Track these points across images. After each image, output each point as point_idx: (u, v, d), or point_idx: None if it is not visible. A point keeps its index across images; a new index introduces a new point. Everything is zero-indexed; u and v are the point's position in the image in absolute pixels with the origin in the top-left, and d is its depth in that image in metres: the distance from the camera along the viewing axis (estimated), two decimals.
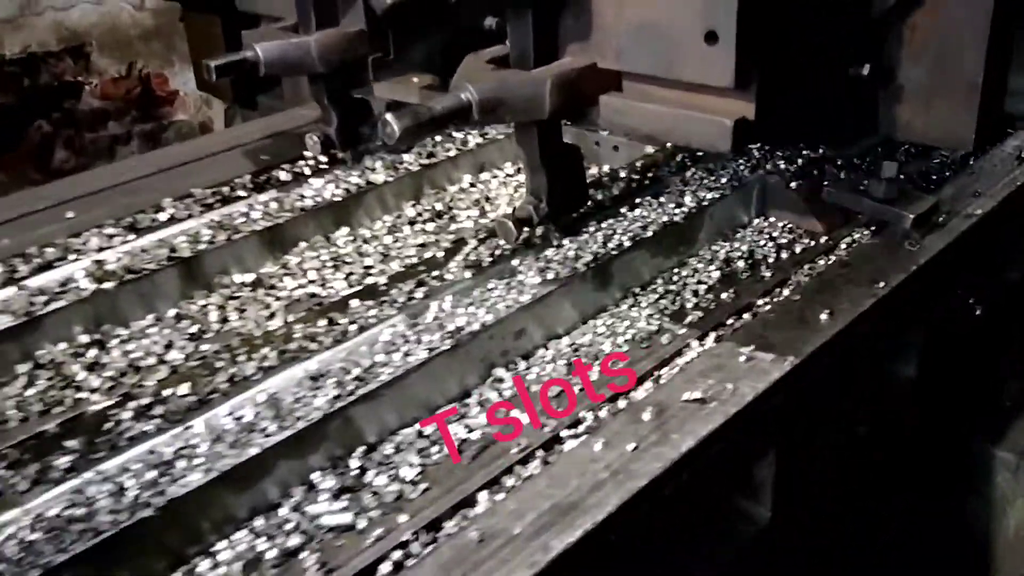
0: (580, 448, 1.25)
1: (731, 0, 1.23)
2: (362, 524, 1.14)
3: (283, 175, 1.93)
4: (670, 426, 1.28)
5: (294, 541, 1.11)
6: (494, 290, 1.49)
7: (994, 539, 2.19)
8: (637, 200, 1.76)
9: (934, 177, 1.92)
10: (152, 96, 4.67)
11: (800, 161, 1.90)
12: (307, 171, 1.96)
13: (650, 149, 2.00)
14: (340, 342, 1.37)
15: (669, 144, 1.96)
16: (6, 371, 1.42)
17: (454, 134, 2.10)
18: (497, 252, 1.62)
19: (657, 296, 1.59)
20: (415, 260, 1.67)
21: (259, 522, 1.14)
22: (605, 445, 1.25)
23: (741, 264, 1.68)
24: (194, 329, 1.53)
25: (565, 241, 1.62)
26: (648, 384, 1.39)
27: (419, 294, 1.50)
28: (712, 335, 1.49)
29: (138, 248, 1.64)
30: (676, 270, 1.66)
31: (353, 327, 1.41)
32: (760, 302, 1.57)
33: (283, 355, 1.35)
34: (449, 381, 1.36)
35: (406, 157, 1.99)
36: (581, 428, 1.30)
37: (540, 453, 1.26)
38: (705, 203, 1.74)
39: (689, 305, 1.57)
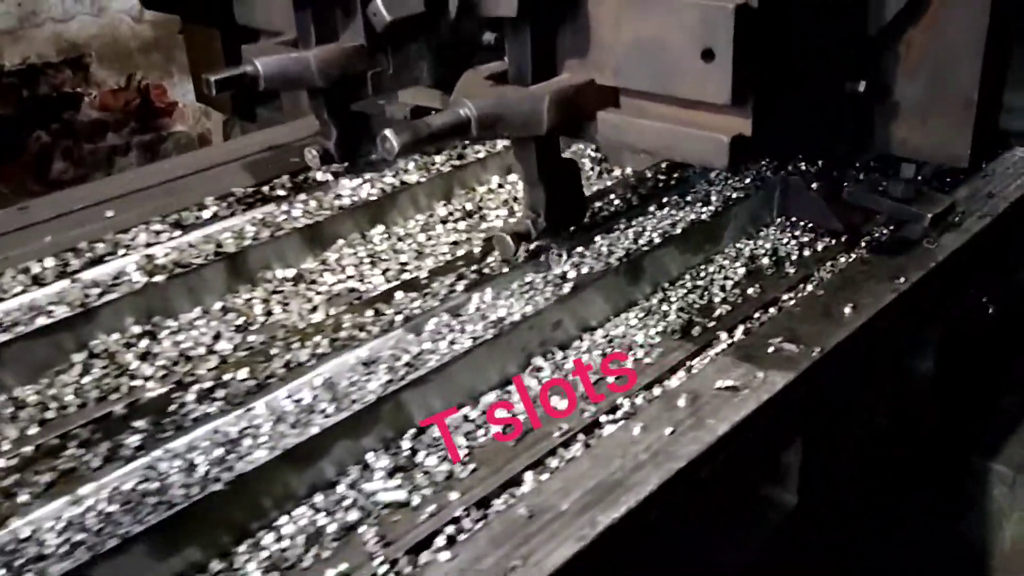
0: (619, 432, 1.31)
1: (728, 18, 1.24)
2: (416, 501, 1.20)
3: (319, 175, 1.99)
4: (705, 412, 1.34)
5: (352, 516, 1.17)
6: (532, 283, 1.55)
7: (990, 553, 2.21)
8: (664, 200, 1.82)
9: (948, 179, 1.99)
10: (151, 107, 4.68)
11: (820, 163, 1.96)
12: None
13: None
14: (387, 331, 1.43)
15: None
16: (63, 360, 1.48)
17: None
18: (529, 248, 1.68)
19: (686, 291, 1.65)
20: (449, 257, 1.73)
21: (318, 498, 1.20)
22: (643, 429, 1.31)
23: (765, 261, 1.74)
24: (240, 321, 1.58)
25: (597, 238, 1.68)
26: (681, 373, 1.45)
27: (459, 287, 1.56)
28: (740, 328, 1.55)
29: (185, 243, 1.69)
30: (703, 267, 1.72)
31: (399, 317, 1.47)
32: (785, 297, 1.63)
33: (334, 343, 1.41)
34: (491, 369, 1.42)
35: (437, 159, 2.05)
36: (619, 414, 1.36)
37: (581, 437, 1.32)
38: (730, 202, 1.80)
39: (717, 300, 1.63)
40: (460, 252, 1.73)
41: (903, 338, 1.78)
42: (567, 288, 1.53)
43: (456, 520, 1.17)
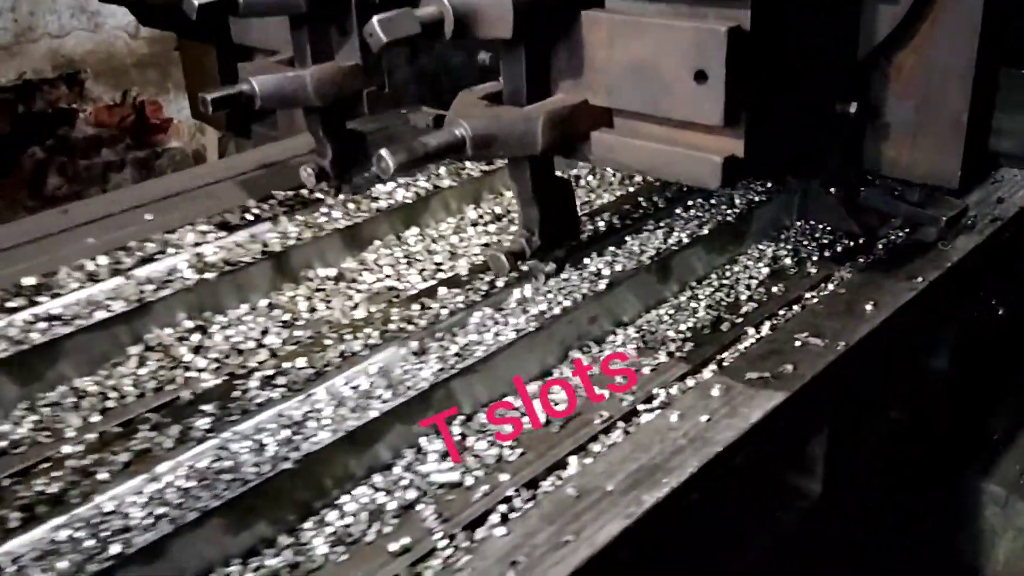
0: (657, 419, 1.38)
1: (720, 40, 1.25)
2: (469, 481, 1.26)
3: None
4: (738, 401, 1.41)
5: (411, 495, 1.23)
6: (568, 280, 1.61)
7: (983, 573, 2.23)
8: (690, 202, 1.89)
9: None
10: (146, 124, 4.69)
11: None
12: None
13: None
14: (434, 324, 1.49)
15: None
16: (120, 352, 1.55)
17: None
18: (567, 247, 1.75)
19: (712, 289, 1.72)
20: (482, 258, 1.79)
21: (377, 478, 1.27)
22: (680, 417, 1.38)
23: (788, 261, 1.81)
24: (286, 317, 1.65)
25: (627, 238, 1.75)
26: (712, 366, 1.51)
27: (499, 283, 1.63)
28: (767, 324, 1.62)
29: (232, 243, 1.76)
30: (728, 266, 1.79)
31: (444, 311, 1.54)
32: (808, 295, 1.70)
33: (385, 335, 1.48)
34: (531, 360, 1.49)
35: (468, 164, 2.12)
36: (655, 403, 1.42)
37: (620, 424, 1.38)
38: (753, 205, 1.88)
39: (743, 297, 1.70)
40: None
41: (921, 337, 1.86)
42: (602, 285, 1.60)
43: (507, 500, 1.24)
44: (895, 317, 1.63)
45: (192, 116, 3.96)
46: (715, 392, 1.42)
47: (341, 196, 1.97)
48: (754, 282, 1.74)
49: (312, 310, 1.68)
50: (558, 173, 1.64)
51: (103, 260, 1.71)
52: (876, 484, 1.91)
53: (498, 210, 2.03)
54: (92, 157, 4.55)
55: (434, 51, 1.83)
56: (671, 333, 1.59)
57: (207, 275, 1.66)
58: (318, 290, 1.74)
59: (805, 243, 1.87)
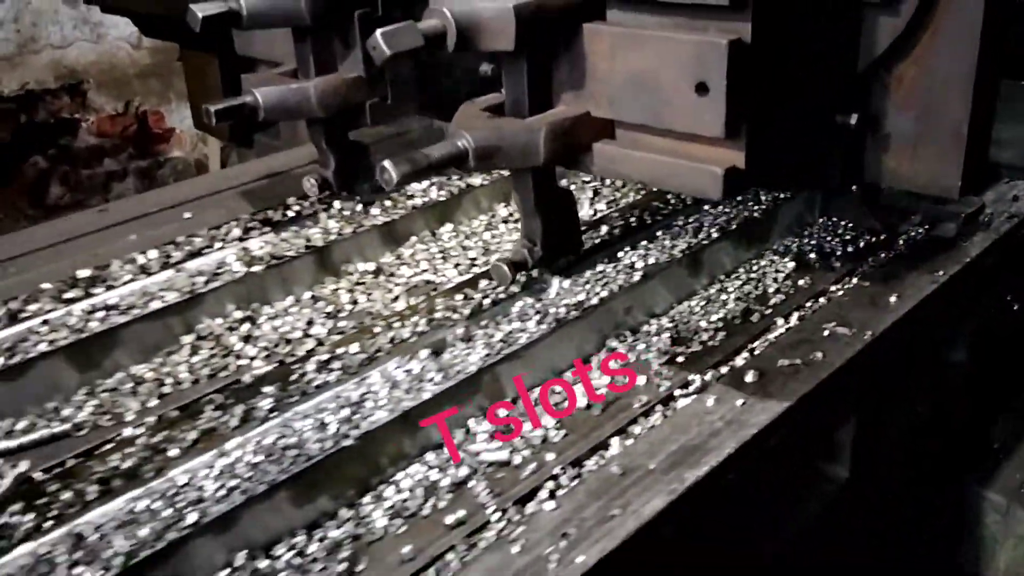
0: (694, 403, 1.44)
1: (721, 53, 1.26)
2: (517, 460, 1.32)
3: None
4: (772, 386, 1.47)
5: (463, 472, 1.29)
6: (604, 272, 1.68)
7: None
8: None
9: None
10: (148, 133, 4.73)
11: None
12: None
13: None
14: (478, 313, 1.55)
15: None
16: (173, 341, 1.61)
17: None
18: (599, 240, 1.81)
19: (741, 282, 1.78)
20: None
21: (430, 456, 1.33)
22: (716, 401, 1.44)
23: (812, 256, 1.87)
24: (329, 309, 1.71)
25: (658, 232, 1.81)
26: (744, 354, 1.57)
27: (535, 273, 1.69)
28: (795, 315, 1.68)
29: (277, 238, 1.82)
30: (755, 261, 1.85)
31: (487, 300, 1.60)
32: (833, 288, 1.76)
33: (431, 322, 1.54)
34: (570, 347, 1.55)
35: None
36: (691, 388, 1.48)
37: (659, 408, 1.44)
38: (778, 202, 1.94)
39: (771, 290, 1.76)
40: None
41: (941, 330, 1.92)
42: (637, 277, 1.67)
43: (554, 477, 1.29)
44: (918, 309, 1.69)
45: (195, 127, 4.03)
46: (749, 378, 1.48)
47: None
48: (780, 275, 1.80)
49: (354, 302, 1.74)
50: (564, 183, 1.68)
51: (153, 254, 1.77)
52: (897, 475, 1.97)
53: None
54: (94, 167, 4.60)
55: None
56: (703, 323, 1.65)
57: (255, 268, 1.72)
58: (358, 283, 1.80)
59: (828, 239, 1.93)
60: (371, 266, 1.85)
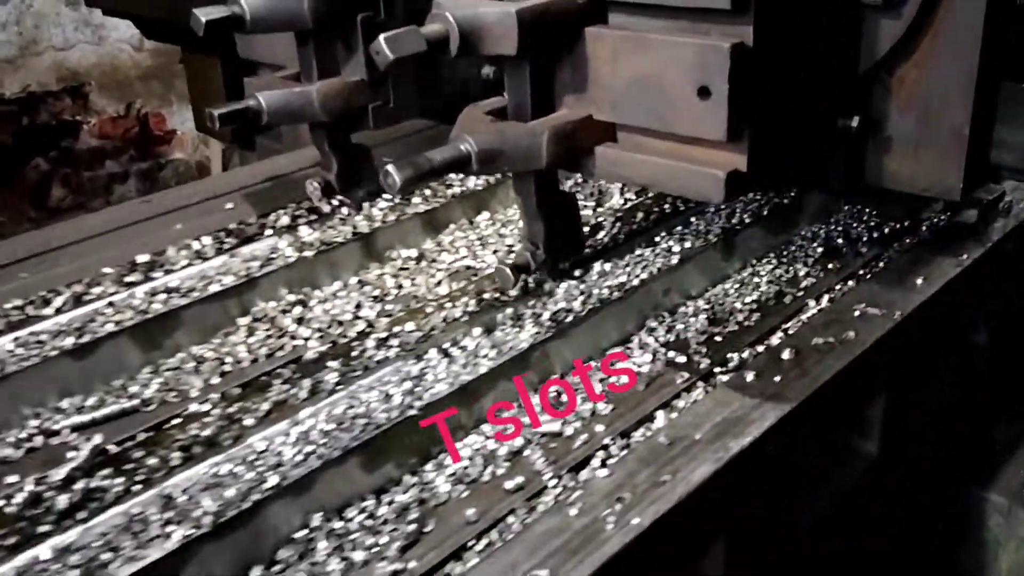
0: (734, 379, 1.51)
1: (723, 57, 1.27)
2: (568, 431, 1.39)
3: None
4: (808, 363, 1.53)
5: (518, 442, 1.36)
6: (643, 256, 1.75)
7: None
8: None
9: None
10: (149, 135, 4.77)
11: None
12: None
13: None
14: (527, 294, 1.62)
15: None
16: (230, 323, 1.68)
17: None
18: (635, 227, 1.88)
19: (772, 267, 1.85)
20: None
21: (486, 427, 1.40)
22: (756, 376, 1.50)
23: (840, 241, 1.93)
24: (376, 293, 1.78)
25: (692, 218, 1.88)
26: (779, 334, 1.64)
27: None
28: (826, 296, 1.74)
29: (325, 226, 1.89)
30: (784, 246, 1.92)
31: (531, 282, 1.67)
32: (862, 271, 1.83)
33: (481, 303, 1.61)
34: (612, 327, 1.62)
35: None
36: (730, 365, 1.55)
37: (700, 384, 1.51)
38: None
39: (801, 273, 1.83)
40: None
41: (966, 313, 1.98)
42: (674, 260, 1.73)
43: (605, 447, 1.36)
44: (944, 290, 1.76)
45: (197, 129, 4.01)
46: (786, 355, 1.55)
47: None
48: (810, 259, 1.87)
49: (399, 286, 1.81)
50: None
51: (207, 240, 1.84)
52: (926, 455, 2.03)
53: None
54: (96, 169, 4.65)
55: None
56: (738, 304, 1.72)
57: (306, 253, 1.79)
58: (402, 268, 1.87)
59: (855, 225, 2.00)
60: (413, 252, 1.92)
